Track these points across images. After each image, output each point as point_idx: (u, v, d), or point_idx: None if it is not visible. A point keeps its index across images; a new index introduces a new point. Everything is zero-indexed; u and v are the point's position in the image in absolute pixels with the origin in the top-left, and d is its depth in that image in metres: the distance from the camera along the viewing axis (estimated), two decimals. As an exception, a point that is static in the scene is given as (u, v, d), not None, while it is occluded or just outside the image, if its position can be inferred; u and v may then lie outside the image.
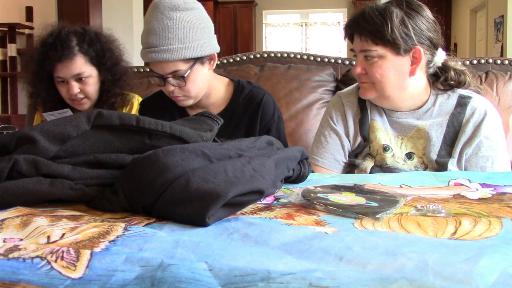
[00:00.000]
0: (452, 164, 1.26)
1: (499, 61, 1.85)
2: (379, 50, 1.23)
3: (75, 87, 1.61)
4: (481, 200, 0.81)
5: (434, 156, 1.27)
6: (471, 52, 7.88)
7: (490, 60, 1.85)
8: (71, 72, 1.60)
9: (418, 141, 1.30)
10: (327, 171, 1.38)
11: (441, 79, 1.31)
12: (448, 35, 8.55)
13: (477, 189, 0.88)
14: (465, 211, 0.73)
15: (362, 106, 1.38)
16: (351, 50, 1.34)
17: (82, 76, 1.61)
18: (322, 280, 0.45)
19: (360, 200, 0.77)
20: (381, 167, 1.31)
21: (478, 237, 0.61)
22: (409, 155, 1.30)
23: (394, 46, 1.22)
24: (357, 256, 0.51)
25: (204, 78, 1.42)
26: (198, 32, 1.34)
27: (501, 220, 0.67)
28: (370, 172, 1.30)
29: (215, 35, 1.45)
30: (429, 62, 1.29)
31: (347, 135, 1.38)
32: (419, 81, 1.29)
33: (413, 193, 0.85)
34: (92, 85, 1.64)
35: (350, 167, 1.37)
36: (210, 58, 1.41)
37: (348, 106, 1.39)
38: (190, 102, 1.44)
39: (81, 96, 1.63)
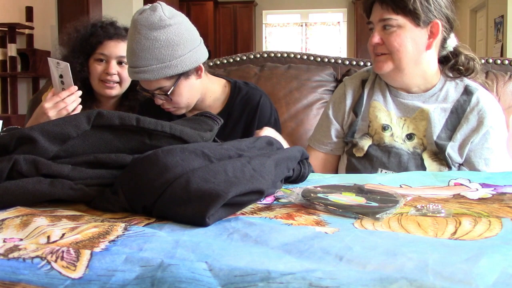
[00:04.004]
0: (452, 148, 1.27)
1: (499, 61, 1.84)
2: (399, 19, 1.25)
3: (114, 68, 1.61)
4: (481, 200, 0.81)
5: (434, 137, 1.29)
6: (471, 52, 7.87)
7: (490, 60, 1.84)
8: (117, 52, 1.61)
9: (420, 122, 1.32)
10: (316, 152, 1.45)
11: (451, 63, 1.34)
12: (448, 35, 8.52)
13: (477, 189, 0.88)
14: (465, 211, 0.73)
15: (363, 87, 1.42)
16: (368, 23, 1.35)
17: (125, 61, 1.60)
18: (322, 280, 0.45)
19: (360, 200, 0.77)
20: (379, 146, 1.33)
21: (478, 237, 0.61)
22: (409, 136, 1.32)
23: (414, 16, 1.24)
24: (357, 256, 0.51)
25: (192, 89, 1.41)
26: (177, 49, 1.31)
27: (501, 220, 0.67)
28: (368, 150, 1.34)
29: (201, 43, 1.42)
30: (444, 41, 1.32)
31: (343, 113, 1.42)
32: (432, 60, 1.32)
33: (413, 193, 0.85)
34: None
35: (348, 146, 1.40)
36: (196, 69, 1.39)
37: (349, 86, 1.44)
38: (182, 111, 1.46)
39: (116, 79, 1.63)
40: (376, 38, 1.29)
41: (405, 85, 1.35)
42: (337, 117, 1.43)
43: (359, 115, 1.38)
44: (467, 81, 1.35)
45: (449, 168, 1.27)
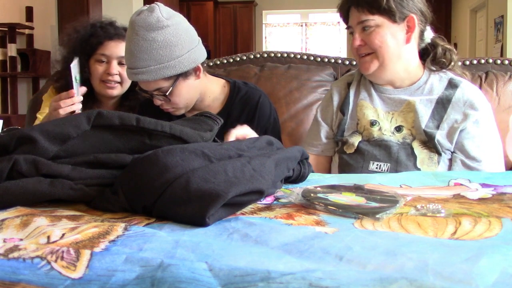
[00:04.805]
0: (441, 136, 1.31)
1: (499, 61, 1.84)
2: (376, 19, 1.31)
3: (115, 68, 1.61)
4: (481, 200, 0.81)
5: (423, 126, 1.32)
6: (471, 52, 7.87)
7: (490, 60, 1.84)
8: (118, 53, 1.61)
9: (408, 114, 1.36)
10: (310, 154, 1.46)
11: (431, 56, 1.40)
12: (448, 35, 8.54)
13: (477, 189, 0.88)
14: (465, 211, 0.73)
15: (349, 88, 1.47)
16: (347, 28, 1.40)
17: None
18: (322, 280, 0.45)
19: (360, 200, 0.77)
20: (369, 141, 1.37)
21: (478, 237, 0.61)
22: (398, 128, 1.36)
23: (390, 14, 1.30)
24: (357, 256, 0.51)
25: (191, 89, 1.41)
26: (175, 49, 1.30)
27: (501, 220, 0.67)
28: (358, 146, 1.37)
29: (200, 43, 1.41)
30: (421, 33, 1.38)
31: (332, 115, 1.47)
32: (413, 53, 1.38)
33: (413, 193, 0.85)
34: None
35: (339, 145, 1.43)
36: (194, 70, 1.38)
37: (335, 89, 1.49)
38: (182, 111, 1.46)
39: (117, 79, 1.63)
40: (357, 41, 1.35)
41: (390, 81, 1.40)
42: (325, 119, 1.48)
43: (346, 114, 1.43)
44: (450, 74, 1.40)
45: (439, 155, 1.30)
